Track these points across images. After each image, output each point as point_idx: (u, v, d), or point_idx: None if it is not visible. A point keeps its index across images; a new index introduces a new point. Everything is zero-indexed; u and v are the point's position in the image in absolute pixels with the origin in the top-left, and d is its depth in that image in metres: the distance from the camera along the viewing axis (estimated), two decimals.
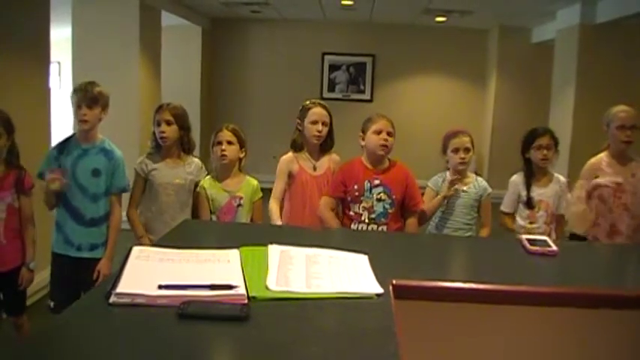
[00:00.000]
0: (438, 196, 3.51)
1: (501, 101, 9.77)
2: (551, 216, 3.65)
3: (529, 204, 3.63)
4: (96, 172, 3.37)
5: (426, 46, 10.23)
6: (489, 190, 3.62)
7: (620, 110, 3.80)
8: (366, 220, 3.34)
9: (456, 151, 3.51)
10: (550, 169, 3.73)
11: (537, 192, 3.64)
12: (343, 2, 8.08)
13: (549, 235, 3.49)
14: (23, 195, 3.28)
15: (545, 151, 3.62)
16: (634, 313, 1.60)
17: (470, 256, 2.10)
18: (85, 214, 3.36)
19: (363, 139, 3.43)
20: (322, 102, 3.77)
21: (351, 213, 3.37)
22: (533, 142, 3.65)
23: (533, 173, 3.68)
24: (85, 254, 3.38)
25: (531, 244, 1.93)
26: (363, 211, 3.35)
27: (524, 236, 2.00)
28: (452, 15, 8.71)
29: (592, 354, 1.64)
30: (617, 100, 7.13)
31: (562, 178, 3.75)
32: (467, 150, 3.51)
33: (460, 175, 3.52)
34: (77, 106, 3.31)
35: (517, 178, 3.73)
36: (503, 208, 3.79)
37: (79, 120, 3.32)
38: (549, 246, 1.93)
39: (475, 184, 3.60)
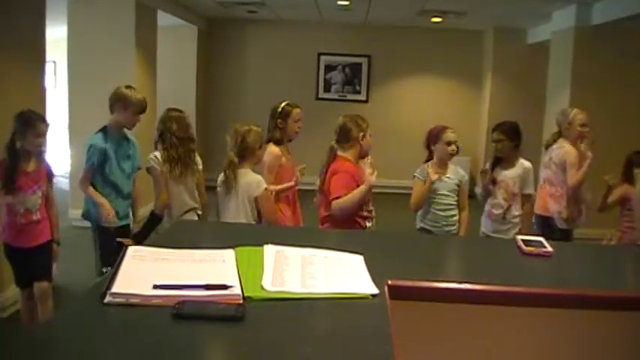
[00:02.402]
0: (427, 183, 3.99)
1: (497, 102, 9.79)
2: (511, 194, 4.31)
3: (492, 182, 4.36)
4: (129, 156, 4.25)
5: (422, 47, 10.25)
6: (466, 176, 4.30)
7: (580, 112, 4.87)
8: (374, 216, 3.76)
9: (448, 143, 4.06)
10: (514, 155, 4.41)
11: (500, 174, 4.36)
12: (339, 3, 8.08)
13: (508, 210, 4.31)
14: (50, 183, 4.00)
15: (495, 144, 4.44)
16: (629, 314, 1.60)
17: (465, 257, 2.11)
18: (124, 189, 4.20)
19: (362, 139, 3.78)
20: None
21: (365, 213, 3.67)
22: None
23: (497, 159, 4.43)
24: (124, 222, 4.24)
25: (526, 245, 1.93)
26: (372, 207, 3.75)
27: (520, 237, 2.00)
28: (447, 16, 8.73)
29: (587, 355, 1.65)
30: (612, 100, 7.21)
31: (526, 164, 4.39)
32: (455, 142, 4.10)
33: (446, 163, 4.16)
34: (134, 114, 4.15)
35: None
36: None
37: (133, 124, 4.20)
38: (544, 247, 1.93)
39: (456, 172, 4.19)
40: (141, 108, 4.13)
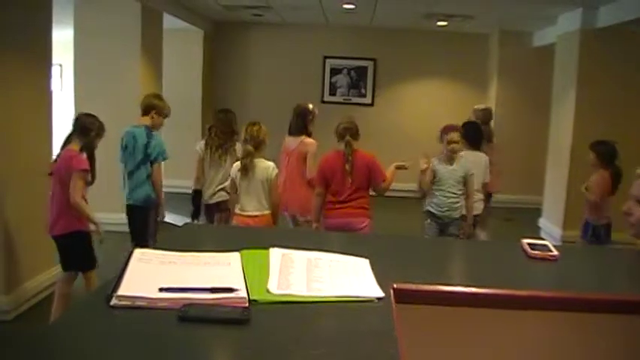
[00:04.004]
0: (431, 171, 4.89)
1: (502, 105, 9.77)
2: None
3: None
4: None
5: (428, 51, 10.24)
6: (472, 170, 5.02)
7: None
8: None
9: (449, 142, 4.87)
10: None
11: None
12: (345, 6, 8.09)
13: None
14: None
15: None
16: (634, 317, 1.60)
17: (471, 260, 2.10)
18: None
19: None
20: None
21: None
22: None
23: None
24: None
25: (532, 249, 1.93)
26: None
27: (525, 240, 2.00)
28: (453, 19, 8.73)
29: (593, 358, 1.64)
30: (618, 103, 7.18)
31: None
32: (456, 142, 4.90)
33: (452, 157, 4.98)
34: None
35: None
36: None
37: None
38: (550, 250, 1.93)
39: (463, 165, 4.94)
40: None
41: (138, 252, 1.59)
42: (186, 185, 9.64)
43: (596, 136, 7.07)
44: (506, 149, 9.40)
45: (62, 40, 7.26)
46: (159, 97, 5.16)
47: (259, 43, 10.45)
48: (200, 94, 9.78)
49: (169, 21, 8.06)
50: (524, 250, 1.94)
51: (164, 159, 4.99)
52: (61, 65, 10.51)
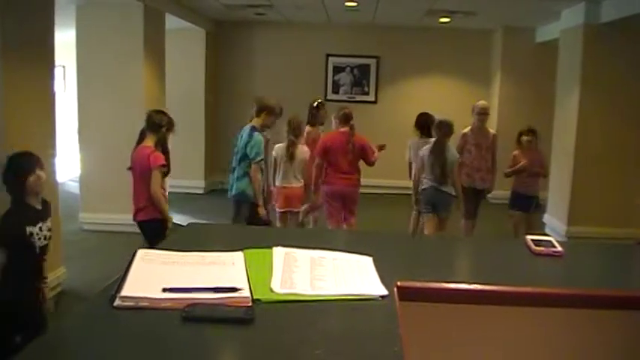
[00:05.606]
0: None
1: (506, 101, 9.75)
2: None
3: None
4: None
5: (430, 47, 10.22)
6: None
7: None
8: None
9: None
10: None
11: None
12: (347, 4, 8.08)
13: None
14: None
15: None
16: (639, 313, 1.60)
17: (475, 258, 2.10)
18: None
19: None
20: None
21: None
22: None
23: None
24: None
25: (536, 245, 1.92)
26: None
27: (529, 237, 1.99)
28: (456, 16, 8.70)
29: (598, 355, 1.64)
30: (622, 98, 7.16)
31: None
32: None
33: None
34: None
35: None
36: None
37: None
38: (554, 247, 1.92)
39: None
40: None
41: (141, 252, 1.59)
42: (191, 185, 9.75)
43: (600, 131, 7.06)
44: (509, 145, 9.40)
45: (65, 41, 7.27)
46: (269, 99, 5.76)
47: (261, 42, 10.44)
48: (203, 93, 9.78)
49: (171, 21, 8.06)
50: (529, 247, 1.93)
51: (258, 161, 5.35)
52: (64, 67, 10.53)
